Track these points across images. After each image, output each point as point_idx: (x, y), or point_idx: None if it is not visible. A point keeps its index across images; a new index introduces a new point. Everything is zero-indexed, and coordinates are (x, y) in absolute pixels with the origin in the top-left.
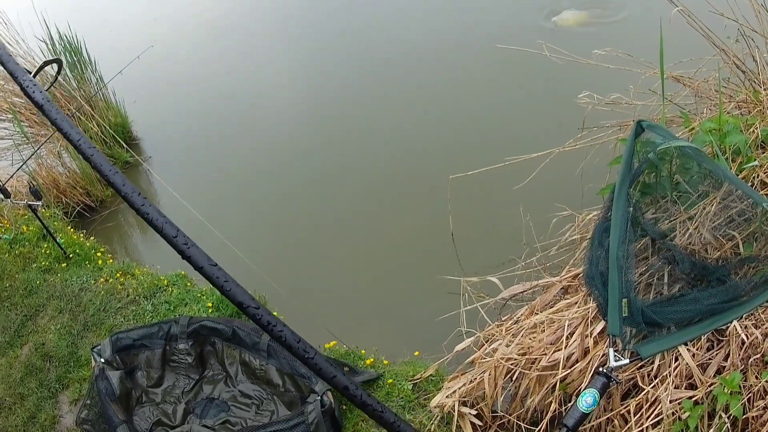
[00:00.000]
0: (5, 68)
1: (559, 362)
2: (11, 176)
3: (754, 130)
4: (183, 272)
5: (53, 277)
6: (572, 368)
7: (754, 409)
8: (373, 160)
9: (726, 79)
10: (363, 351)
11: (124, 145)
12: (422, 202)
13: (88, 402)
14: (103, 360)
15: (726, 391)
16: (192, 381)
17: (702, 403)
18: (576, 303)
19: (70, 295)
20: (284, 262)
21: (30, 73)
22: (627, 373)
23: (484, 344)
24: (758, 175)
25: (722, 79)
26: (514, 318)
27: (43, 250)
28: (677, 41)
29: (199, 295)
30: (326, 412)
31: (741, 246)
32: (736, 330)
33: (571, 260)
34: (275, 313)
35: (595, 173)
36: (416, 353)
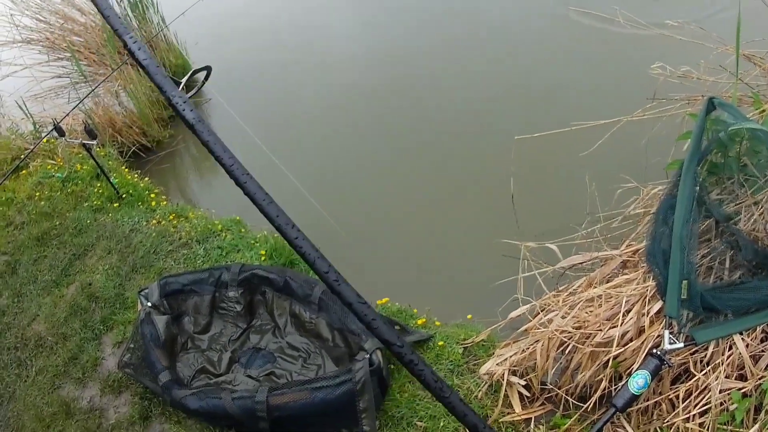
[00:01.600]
0: (152, 81)
1: (613, 339)
2: (67, 114)
3: None
4: (238, 218)
5: (104, 216)
6: (626, 347)
7: None
8: (437, 116)
9: None
10: (415, 310)
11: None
12: (484, 162)
13: (132, 346)
14: (149, 304)
15: None
16: (239, 330)
17: (750, 396)
18: (635, 280)
19: (120, 236)
20: (341, 214)
21: (179, 84)
22: (680, 357)
23: (539, 313)
24: None
25: None
26: (571, 289)
27: (95, 190)
28: (751, 18)
29: (252, 242)
30: (374, 372)
31: None
32: None
33: (633, 234)
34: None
35: (661, 146)
36: (469, 317)
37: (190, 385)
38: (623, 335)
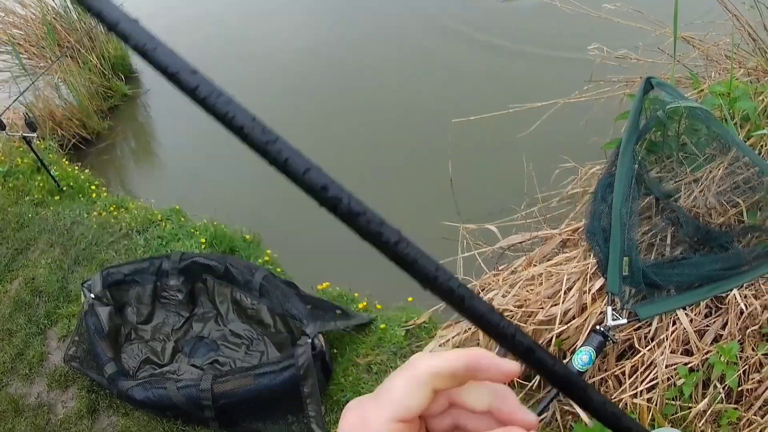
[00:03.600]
0: None
1: (555, 317)
2: (7, 108)
3: (764, 99)
4: (177, 207)
5: (46, 210)
6: (569, 324)
7: (749, 382)
8: (374, 100)
9: (736, 45)
10: (356, 294)
11: (123, 78)
12: (423, 146)
13: (77, 338)
14: (93, 295)
15: (722, 360)
16: (182, 318)
17: (697, 371)
18: (575, 258)
19: (62, 229)
20: (280, 200)
21: None
22: (624, 334)
23: (479, 293)
24: (766, 143)
25: (733, 45)
26: (512, 268)
27: (36, 183)
28: (689, 2)
29: (192, 230)
30: (317, 356)
31: (745, 214)
32: (736, 299)
33: (572, 213)
34: (268, 252)
35: (600, 127)
36: (410, 299)
37: (136, 376)
38: (565, 313)
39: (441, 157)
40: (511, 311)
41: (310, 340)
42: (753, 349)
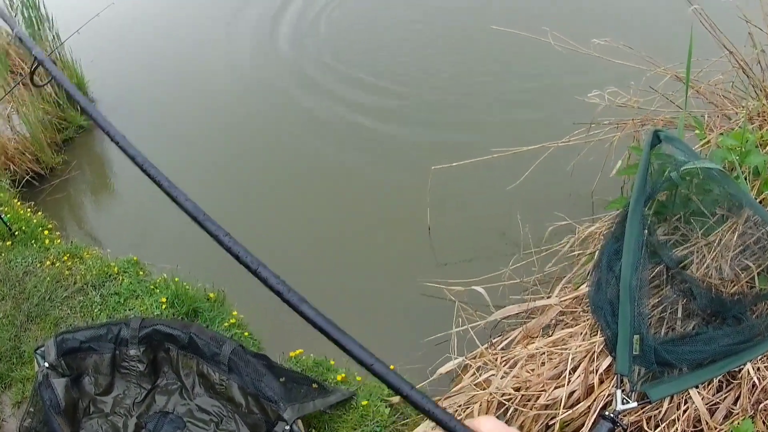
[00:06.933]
0: None
1: (559, 400)
2: None
3: None
4: (135, 258)
5: None
6: (574, 408)
7: None
8: (349, 147)
9: (730, 83)
10: (332, 362)
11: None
12: (401, 195)
13: (32, 409)
14: (47, 364)
15: None
16: (144, 391)
17: None
18: (581, 334)
19: (13, 280)
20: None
21: None
22: (632, 416)
23: (472, 367)
24: None
25: (728, 84)
26: (506, 341)
27: None
28: (672, 39)
29: (151, 287)
30: None
31: (756, 279)
32: (749, 373)
33: (565, 276)
34: (235, 313)
35: (586, 173)
36: (392, 367)
37: None
38: (570, 395)
39: (421, 205)
40: (510, 395)
41: (289, 427)
42: (764, 423)
